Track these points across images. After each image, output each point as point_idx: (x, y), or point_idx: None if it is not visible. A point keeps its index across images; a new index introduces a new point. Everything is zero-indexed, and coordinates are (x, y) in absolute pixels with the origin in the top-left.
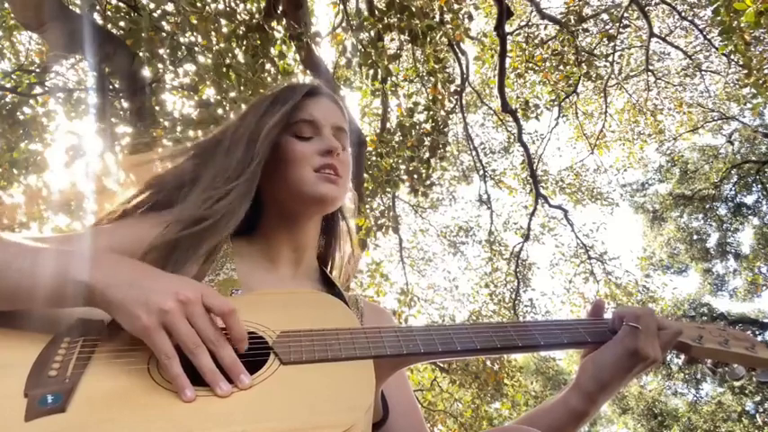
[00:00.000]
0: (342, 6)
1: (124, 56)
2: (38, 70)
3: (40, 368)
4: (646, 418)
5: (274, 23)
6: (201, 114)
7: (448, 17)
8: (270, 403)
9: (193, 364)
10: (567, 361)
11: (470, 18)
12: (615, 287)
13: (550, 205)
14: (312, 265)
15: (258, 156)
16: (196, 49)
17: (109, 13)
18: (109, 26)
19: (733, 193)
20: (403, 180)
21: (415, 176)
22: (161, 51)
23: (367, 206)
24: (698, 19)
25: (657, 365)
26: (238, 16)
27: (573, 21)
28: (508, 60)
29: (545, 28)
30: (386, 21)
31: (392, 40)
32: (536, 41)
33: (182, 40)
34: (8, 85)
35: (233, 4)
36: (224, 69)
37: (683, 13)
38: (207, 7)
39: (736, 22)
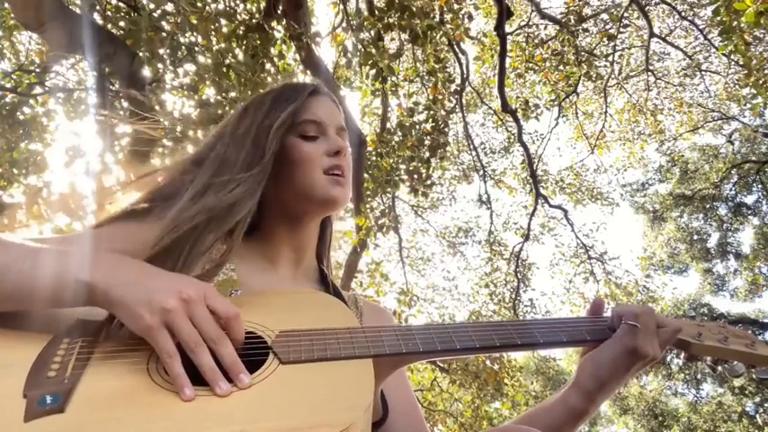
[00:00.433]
0: (342, 6)
1: (124, 56)
2: (38, 70)
3: (39, 369)
4: (646, 418)
5: (274, 23)
6: (201, 114)
7: (448, 17)
8: (269, 402)
9: (194, 364)
10: (567, 361)
11: (470, 18)
12: (615, 287)
13: (550, 205)
14: (311, 265)
15: (269, 153)
16: (196, 49)
17: (109, 13)
18: (109, 26)
19: (733, 192)
20: (403, 180)
21: (415, 176)
22: (161, 51)
23: (367, 206)
24: (698, 19)
25: (657, 363)
26: (238, 16)
27: (573, 21)
28: (508, 60)
29: (545, 28)
30: (386, 20)
31: (392, 39)
32: (536, 41)
33: (182, 40)
34: (8, 85)
35: (233, 4)
36: (224, 69)
37: (683, 13)
38: (207, 7)
39: (736, 22)
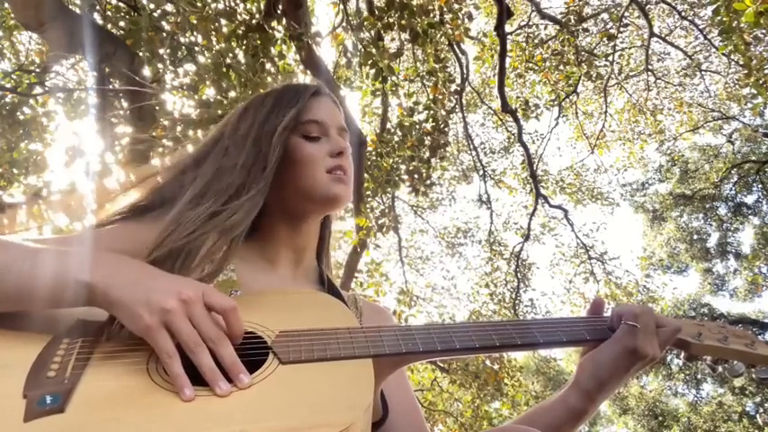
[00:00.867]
0: (342, 6)
1: (124, 56)
2: (38, 70)
3: (38, 369)
4: (646, 418)
5: (274, 23)
6: (201, 114)
7: (448, 17)
8: (269, 402)
9: (194, 364)
10: (567, 361)
11: (470, 18)
12: (615, 287)
13: (551, 205)
14: (311, 265)
15: (272, 161)
16: (196, 49)
17: (109, 13)
18: (109, 26)
19: (733, 192)
20: (403, 180)
21: (416, 176)
22: (161, 51)
23: (367, 206)
24: (698, 19)
25: (657, 363)
26: (238, 16)
27: (573, 21)
28: (508, 60)
29: (545, 28)
30: (386, 20)
31: (392, 39)
32: (536, 41)
33: (182, 40)
34: (8, 85)
35: (233, 4)
36: (224, 69)
37: (683, 13)
38: (207, 7)
39: (736, 22)
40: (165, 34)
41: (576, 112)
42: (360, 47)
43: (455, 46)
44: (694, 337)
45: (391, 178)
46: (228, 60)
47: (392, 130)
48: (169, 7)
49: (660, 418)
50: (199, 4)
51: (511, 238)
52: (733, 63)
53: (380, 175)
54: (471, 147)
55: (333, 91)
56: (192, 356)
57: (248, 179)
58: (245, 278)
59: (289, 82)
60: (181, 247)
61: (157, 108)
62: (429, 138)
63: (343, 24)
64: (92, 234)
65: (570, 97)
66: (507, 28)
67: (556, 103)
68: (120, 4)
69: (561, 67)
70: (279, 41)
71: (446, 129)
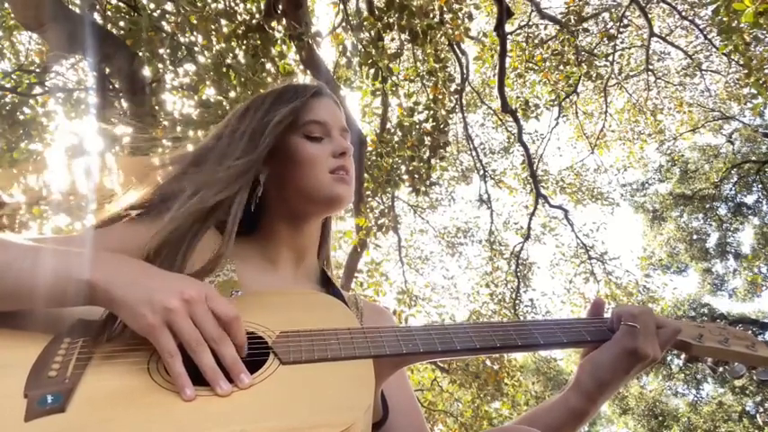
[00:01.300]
0: (342, 6)
1: (124, 56)
2: (38, 70)
3: (39, 368)
4: (646, 418)
5: (274, 23)
6: (201, 114)
7: (448, 17)
8: (269, 403)
9: (195, 363)
10: (567, 361)
11: (470, 18)
12: (615, 287)
13: (551, 205)
14: (312, 265)
15: (264, 144)
16: (196, 49)
17: (109, 13)
18: (109, 26)
19: (733, 192)
20: (403, 180)
21: (416, 176)
22: (161, 51)
23: (367, 206)
24: (698, 19)
25: (657, 364)
26: (238, 16)
27: (573, 21)
28: (508, 60)
29: (545, 28)
30: (386, 20)
31: (392, 39)
32: (536, 41)
33: (182, 40)
34: (8, 85)
35: (233, 4)
36: (224, 69)
37: (683, 13)
38: (207, 7)
39: (736, 22)
40: (165, 34)
41: (576, 112)
42: (360, 47)
43: (455, 46)
44: (695, 339)
45: (391, 178)
46: (228, 60)
47: (392, 130)
48: (169, 7)
49: (660, 418)
50: (199, 4)
51: (511, 238)
52: (733, 63)
53: (380, 175)
54: (471, 147)
55: (333, 91)
56: (194, 356)
57: (240, 170)
58: (245, 278)
59: (290, 82)
60: (175, 242)
61: (157, 108)
62: (429, 138)
63: (343, 24)
64: (92, 234)
65: (570, 97)
66: (507, 28)
67: (556, 103)
68: (120, 4)
69: (561, 67)
70: (279, 41)
71: (446, 129)
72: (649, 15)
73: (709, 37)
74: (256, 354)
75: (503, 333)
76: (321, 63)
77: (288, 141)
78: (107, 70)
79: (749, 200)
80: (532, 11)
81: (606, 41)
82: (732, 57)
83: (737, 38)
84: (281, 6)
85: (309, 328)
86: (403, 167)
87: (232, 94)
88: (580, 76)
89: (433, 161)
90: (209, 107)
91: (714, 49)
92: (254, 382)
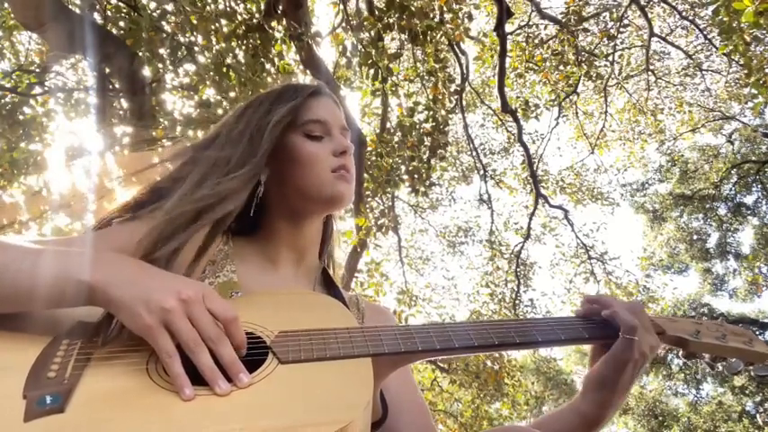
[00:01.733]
0: (342, 6)
1: (124, 56)
2: (38, 70)
3: (38, 369)
4: (646, 418)
5: (274, 23)
6: (201, 114)
7: (448, 17)
8: (268, 402)
9: (194, 364)
10: (567, 361)
11: (470, 18)
12: (615, 287)
13: (551, 205)
14: (313, 265)
15: (264, 148)
16: (196, 49)
17: (109, 13)
18: (109, 26)
19: (733, 192)
20: (403, 180)
21: (415, 176)
22: (161, 51)
23: (367, 206)
24: (698, 19)
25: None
26: (238, 16)
27: (573, 21)
28: (508, 60)
29: (545, 28)
30: (386, 20)
31: (392, 39)
32: (536, 41)
33: (182, 40)
34: (8, 85)
35: (233, 4)
36: (224, 69)
37: (683, 13)
38: (207, 7)
39: (736, 22)
40: (165, 34)
41: (576, 112)
42: (360, 47)
43: (455, 46)
44: (693, 336)
45: (391, 178)
46: (228, 60)
47: (392, 131)
48: (169, 7)
49: (660, 418)
50: (199, 4)
51: (511, 238)
52: (733, 63)
53: (380, 175)
54: (471, 147)
55: (333, 91)
56: (192, 356)
57: (240, 170)
58: (245, 278)
59: (289, 82)
60: (167, 233)
61: (157, 108)
62: (429, 138)
63: (343, 24)
64: (92, 234)
65: (570, 97)
66: (507, 28)
67: (556, 103)
68: (120, 4)
69: (561, 67)
70: (279, 41)
71: (446, 129)
72: (649, 15)
73: (709, 37)
74: (255, 353)
75: (501, 331)
76: (321, 63)
77: (288, 141)
78: (107, 70)
79: (749, 200)
80: (532, 11)
81: (606, 41)
82: (732, 57)
83: (737, 38)
84: (280, 6)
85: (308, 327)
86: (403, 167)
87: (232, 94)
88: (580, 76)
89: (432, 161)
90: (209, 107)
91: (714, 49)
92: (253, 381)
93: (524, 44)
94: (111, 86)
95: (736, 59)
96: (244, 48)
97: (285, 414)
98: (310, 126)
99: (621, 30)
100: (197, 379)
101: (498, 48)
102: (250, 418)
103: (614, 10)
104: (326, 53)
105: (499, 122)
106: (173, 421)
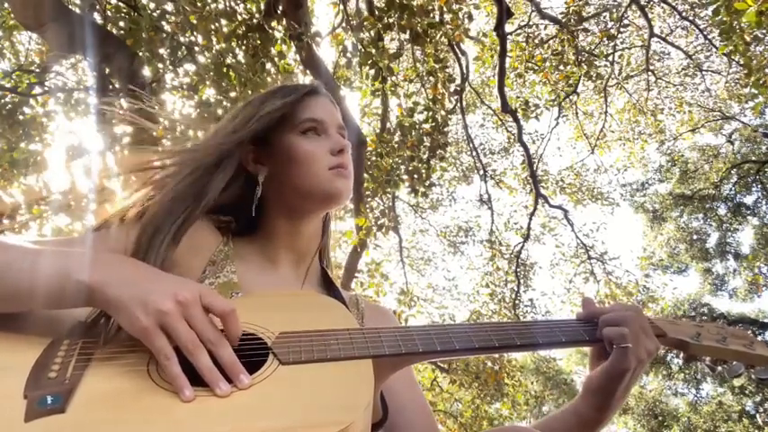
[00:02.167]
0: (342, 6)
1: (124, 56)
2: (38, 70)
3: (39, 370)
4: (646, 418)
5: (274, 23)
6: (201, 114)
7: (448, 17)
8: (269, 402)
9: (193, 365)
10: (567, 361)
11: (470, 18)
12: (615, 287)
13: (551, 205)
14: (313, 264)
15: (247, 128)
16: (196, 49)
17: (109, 13)
18: (109, 26)
19: (733, 192)
20: (403, 180)
21: (415, 176)
22: (161, 51)
23: (367, 206)
24: (698, 19)
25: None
26: (238, 16)
27: (573, 21)
28: (508, 60)
29: (545, 28)
30: (386, 20)
31: (392, 39)
32: (536, 41)
33: (182, 40)
34: (8, 85)
35: (233, 4)
36: (224, 69)
37: (683, 13)
38: (207, 7)
39: (736, 22)
40: (165, 34)
41: (576, 112)
42: (360, 47)
43: (455, 46)
44: (693, 338)
45: (391, 178)
46: (228, 60)
47: (392, 131)
48: (169, 7)
49: (660, 418)
50: (199, 4)
51: (511, 238)
52: (733, 63)
53: (380, 175)
54: (471, 147)
55: (333, 91)
56: (191, 358)
57: (220, 142)
58: (245, 279)
59: (287, 82)
60: (154, 225)
61: (157, 108)
62: (429, 138)
63: (343, 24)
64: (91, 237)
65: (570, 97)
66: (507, 28)
67: (556, 103)
68: (120, 4)
69: (561, 67)
70: (279, 41)
71: (446, 129)
72: (649, 15)
73: (709, 37)
74: (256, 355)
75: (501, 333)
76: (321, 63)
77: (285, 140)
78: (107, 70)
79: (749, 200)
80: (532, 11)
81: (606, 41)
82: (732, 57)
83: (737, 38)
84: (281, 6)
85: (308, 328)
86: (402, 167)
87: (232, 94)
88: (580, 76)
89: (432, 162)
90: (209, 107)
91: (714, 50)
92: (254, 382)
93: (524, 44)
94: (111, 86)
95: (736, 59)
96: (244, 48)
97: (286, 415)
98: (307, 125)
99: (621, 30)
100: (197, 380)
101: (498, 48)
102: (250, 418)
103: (614, 10)
104: (326, 53)
105: (499, 122)
106: (173, 422)
